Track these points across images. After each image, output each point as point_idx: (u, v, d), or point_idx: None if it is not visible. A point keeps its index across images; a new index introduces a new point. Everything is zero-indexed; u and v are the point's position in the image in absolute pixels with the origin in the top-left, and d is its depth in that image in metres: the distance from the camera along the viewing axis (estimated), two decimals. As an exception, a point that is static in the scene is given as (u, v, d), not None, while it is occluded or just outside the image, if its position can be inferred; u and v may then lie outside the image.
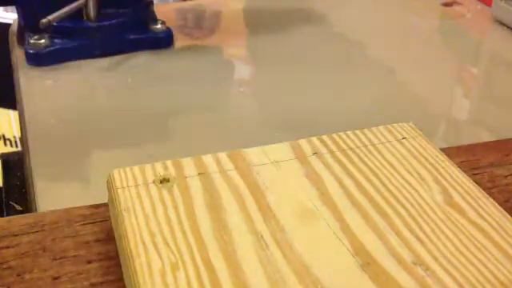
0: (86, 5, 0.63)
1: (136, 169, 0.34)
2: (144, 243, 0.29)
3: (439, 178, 0.34)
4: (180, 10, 0.79)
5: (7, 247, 0.32)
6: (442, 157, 0.35)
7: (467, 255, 0.28)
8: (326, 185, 0.33)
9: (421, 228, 0.30)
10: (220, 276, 0.27)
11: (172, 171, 0.34)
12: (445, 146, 0.41)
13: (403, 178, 0.34)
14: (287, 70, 0.63)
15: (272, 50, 0.68)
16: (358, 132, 0.38)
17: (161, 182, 0.33)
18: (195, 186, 0.33)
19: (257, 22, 0.76)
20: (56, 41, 0.63)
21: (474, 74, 0.67)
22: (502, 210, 0.31)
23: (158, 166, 0.34)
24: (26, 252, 0.32)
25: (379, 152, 0.36)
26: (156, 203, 0.31)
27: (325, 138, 0.37)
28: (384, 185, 0.33)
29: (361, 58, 0.67)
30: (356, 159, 0.35)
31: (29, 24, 0.64)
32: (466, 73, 0.67)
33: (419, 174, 0.34)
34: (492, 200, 0.32)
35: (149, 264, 0.28)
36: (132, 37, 0.65)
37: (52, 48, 0.62)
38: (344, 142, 0.37)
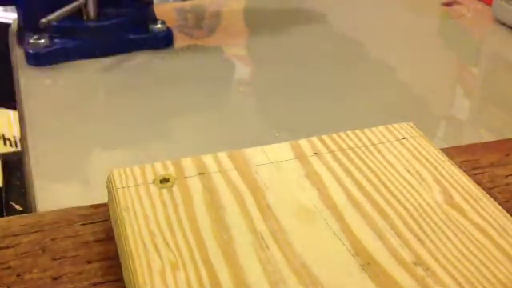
0: (85, 5, 0.63)
1: (136, 169, 0.34)
2: (144, 243, 0.29)
3: (439, 178, 0.34)
4: (180, 10, 0.79)
5: (7, 247, 0.32)
6: (443, 157, 0.35)
7: (467, 255, 0.28)
8: (326, 185, 0.33)
9: (421, 228, 0.30)
10: (220, 276, 0.27)
11: (172, 171, 0.34)
12: (445, 146, 0.41)
13: (403, 177, 0.34)
14: (287, 70, 0.63)
15: (272, 50, 0.68)
16: (358, 132, 0.37)
17: (161, 181, 0.33)
18: (195, 185, 0.33)
19: (257, 22, 0.76)
20: (56, 41, 0.63)
21: (474, 73, 0.67)
22: (502, 210, 0.31)
23: (158, 166, 0.34)
24: (26, 252, 0.32)
25: (379, 152, 0.36)
26: (156, 203, 0.31)
27: (325, 137, 0.37)
28: (384, 185, 0.33)
29: (361, 58, 0.67)
30: (356, 159, 0.35)
31: (29, 24, 0.64)
32: (466, 73, 0.67)
33: (419, 173, 0.34)
34: (492, 200, 0.32)
35: (149, 264, 0.28)
36: (132, 37, 0.65)
37: (52, 48, 0.62)
38: (344, 141, 0.37)
